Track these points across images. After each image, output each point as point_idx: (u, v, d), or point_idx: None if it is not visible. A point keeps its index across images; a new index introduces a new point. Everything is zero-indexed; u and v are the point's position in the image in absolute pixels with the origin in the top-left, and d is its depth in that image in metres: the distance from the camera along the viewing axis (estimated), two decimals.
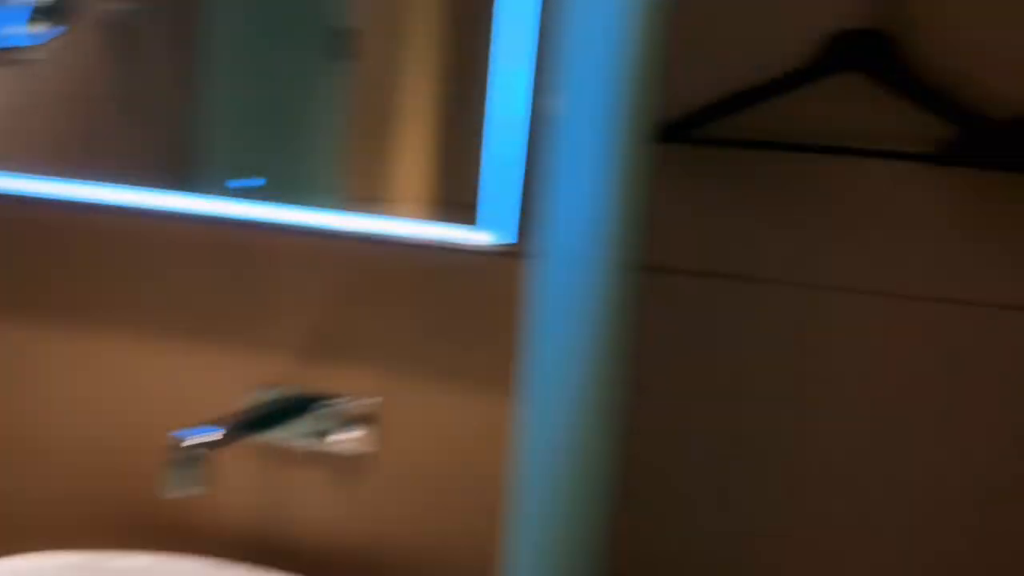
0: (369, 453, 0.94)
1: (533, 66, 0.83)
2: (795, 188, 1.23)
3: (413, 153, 0.92)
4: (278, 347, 0.95)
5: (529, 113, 0.84)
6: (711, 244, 1.25)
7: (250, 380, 0.96)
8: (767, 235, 1.23)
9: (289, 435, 0.94)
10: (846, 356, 1.23)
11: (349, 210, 0.91)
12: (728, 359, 1.25)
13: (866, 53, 1.16)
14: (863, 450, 1.23)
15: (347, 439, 0.94)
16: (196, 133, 0.97)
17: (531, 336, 0.87)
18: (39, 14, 0.97)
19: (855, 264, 1.22)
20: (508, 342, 0.88)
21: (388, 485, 0.94)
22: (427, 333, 0.91)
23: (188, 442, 0.81)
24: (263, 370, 0.95)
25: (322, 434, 0.94)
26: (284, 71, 0.95)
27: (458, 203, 0.88)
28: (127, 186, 0.94)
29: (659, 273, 1.25)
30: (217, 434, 0.83)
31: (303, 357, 0.95)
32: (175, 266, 0.97)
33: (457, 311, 0.90)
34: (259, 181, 0.94)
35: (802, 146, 1.19)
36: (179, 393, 0.98)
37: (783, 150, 1.19)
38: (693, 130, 1.21)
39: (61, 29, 0.98)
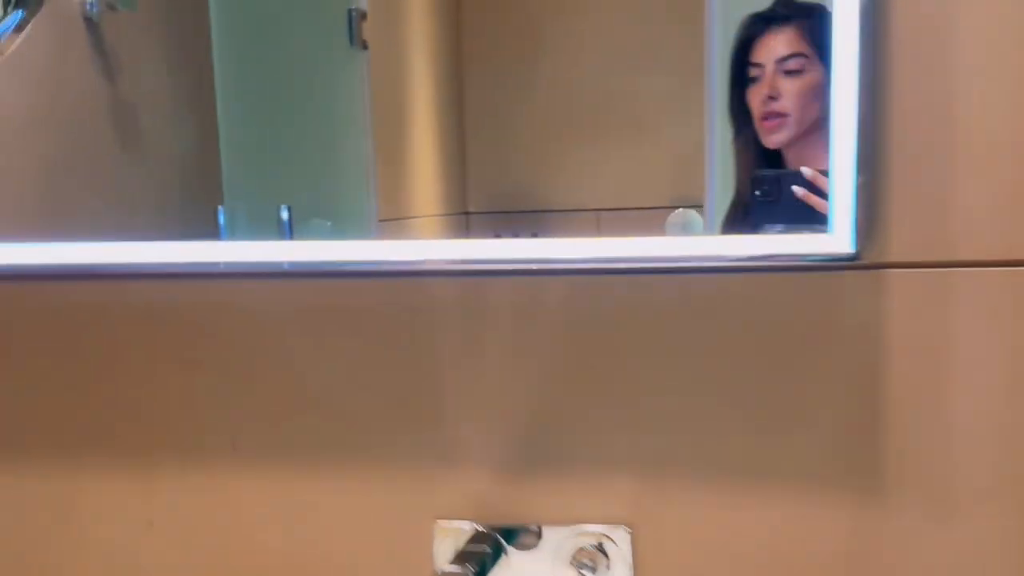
0: None
1: None
2: None
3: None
4: (468, 455, 0.66)
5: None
6: None
7: (428, 512, 0.67)
8: None
9: None
10: None
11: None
12: None
13: None
14: None
15: None
16: (205, 158, 0.78)
17: None
18: None
19: None
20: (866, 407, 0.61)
21: None
22: (724, 405, 0.63)
23: None
24: (449, 494, 0.67)
25: None
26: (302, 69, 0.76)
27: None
28: (137, 240, 0.67)
29: None
30: None
31: (511, 468, 0.66)
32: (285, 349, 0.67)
33: (782, 362, 0.62)
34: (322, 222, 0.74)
35: None
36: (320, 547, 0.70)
37: None
38: None
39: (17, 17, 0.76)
